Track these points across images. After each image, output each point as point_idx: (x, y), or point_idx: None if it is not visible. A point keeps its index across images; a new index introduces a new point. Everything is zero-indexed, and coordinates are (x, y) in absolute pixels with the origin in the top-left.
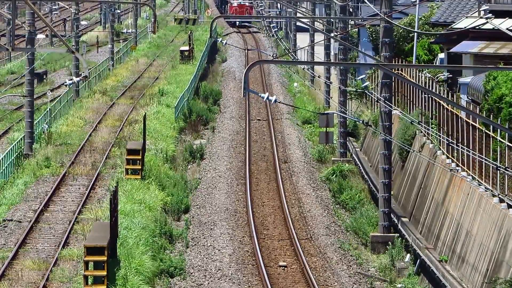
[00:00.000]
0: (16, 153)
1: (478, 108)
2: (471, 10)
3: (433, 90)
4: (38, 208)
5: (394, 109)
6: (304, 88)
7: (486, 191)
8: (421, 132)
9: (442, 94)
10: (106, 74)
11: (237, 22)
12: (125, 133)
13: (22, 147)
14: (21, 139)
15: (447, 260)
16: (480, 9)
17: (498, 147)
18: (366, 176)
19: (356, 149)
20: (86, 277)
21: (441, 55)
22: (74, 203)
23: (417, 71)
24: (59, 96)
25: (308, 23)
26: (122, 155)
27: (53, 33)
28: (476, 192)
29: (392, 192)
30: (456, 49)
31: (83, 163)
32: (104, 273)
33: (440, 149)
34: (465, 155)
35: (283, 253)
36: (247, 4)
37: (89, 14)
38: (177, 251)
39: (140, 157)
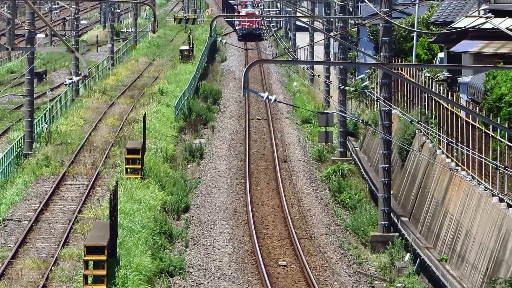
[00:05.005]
0: (16, 153)
1: (478, 107)
2: (470, 10)
3: (433, 90)
4: (38, 207)
5: (393, 109)
6: (304, 87)
7: (485, 190)
8: (421, 131)
9: (441, 94)
10: (106, 74)
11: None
12: (125, 133)
13: (22, 147)
14: (21, 138)
15: (446, 259)
16: (480, 8)
17: (498, 146)
18: (365, 176)
19: (356, 148)
20: (86, 277)
21: (441, 55)
22: (74, 203)
23: (417, 70)
24: (59, 96)
25: (308, 23)
26: (122, 154)
27: (53, 32)
28: (475, 191)
29: (391, 192)
30: (455, 48)
31: (83, 163)
32: (104, 272)
33: (439, 148)
34: (465, 154)
35: (283, 253)
36: (256, 13)
37: (89, 14)
38: (177, 250)
39: (140, 157)
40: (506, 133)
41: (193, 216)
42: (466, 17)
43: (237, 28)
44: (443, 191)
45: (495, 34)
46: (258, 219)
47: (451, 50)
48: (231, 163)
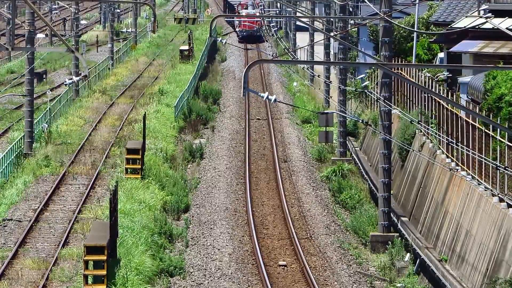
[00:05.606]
0: (16, 153)
1: (477, 107)
2: (470, 10)
3: (433, 90)
4: (38, 207)
5: (393, 109)
6: (304, 87)
7: (485, 190)
8: (421, 131)
9: (441, 94)
10: (105, 74)
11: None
12: (125, 133)
13: (22, 147)
14: (21, 138)
15: (446, 259)
16: (480, 8)
17: (498, 146)
18: (365, 176)
19: (356, 148)
20: (86, 277)
21: (441, 55)
22: (74, 203)
23: (417, 70)
24: (59, 96)
25: (308, 23)
26: (122, 154)
27: (52, 32)
28: (475, 191)
29: (391, 192)
30: (455, 48)
31: (83, 163)
32: (104, 272)
33: (439, 148)
34: (465, 154)
35: (283, 253)
36: (257, 14)
37: (89, 14)
38: (177, 250)
39: (140, 157)
40: (506, 133)
41: (193, 216)
42: (466, 17)
43: (237, 29)
44: (443, 191)
45: (495, 34)
46: (258, 219)
47: (451, 50)
48: (231, 163)
